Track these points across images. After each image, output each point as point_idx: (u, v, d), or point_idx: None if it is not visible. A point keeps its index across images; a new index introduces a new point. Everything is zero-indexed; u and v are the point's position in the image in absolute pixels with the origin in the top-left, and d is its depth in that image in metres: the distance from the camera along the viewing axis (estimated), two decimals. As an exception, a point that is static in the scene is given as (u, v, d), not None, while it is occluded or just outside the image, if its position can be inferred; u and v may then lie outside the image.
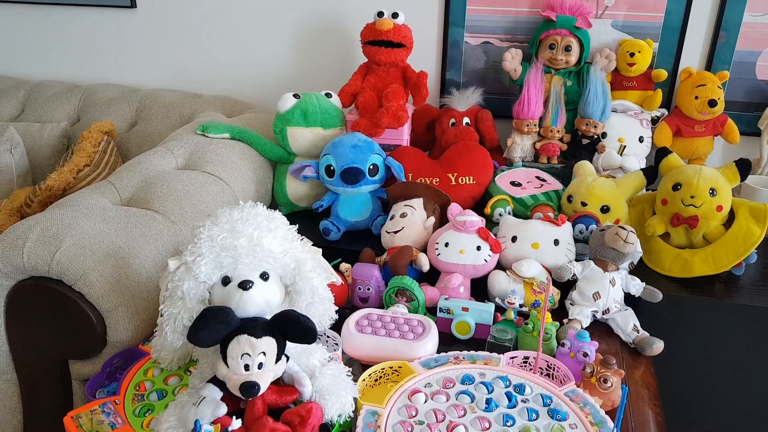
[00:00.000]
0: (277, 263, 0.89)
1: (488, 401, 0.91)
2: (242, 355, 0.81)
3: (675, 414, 1.05)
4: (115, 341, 1.07)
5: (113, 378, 1.03)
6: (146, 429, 0.89)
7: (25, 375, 1.15)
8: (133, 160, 1.39)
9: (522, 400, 0.92)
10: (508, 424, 0.87)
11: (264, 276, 0.88)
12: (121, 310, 1.06)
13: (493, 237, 1.24)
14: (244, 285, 0.85)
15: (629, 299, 1.20)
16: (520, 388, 0.94)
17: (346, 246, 1.42)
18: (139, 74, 2.06)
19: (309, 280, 0.91)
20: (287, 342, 0.86)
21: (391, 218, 1.36)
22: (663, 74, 1.55)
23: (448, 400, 0.93)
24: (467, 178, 1.46)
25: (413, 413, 0.90)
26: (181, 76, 2.01)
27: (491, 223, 1.38)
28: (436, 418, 0.89)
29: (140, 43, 2.01)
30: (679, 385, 1.27)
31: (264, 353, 0.81)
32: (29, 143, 1.81)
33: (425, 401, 0.93)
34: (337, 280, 0.98)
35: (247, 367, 0.81)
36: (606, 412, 0.90)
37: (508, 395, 0.92)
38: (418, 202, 1.35)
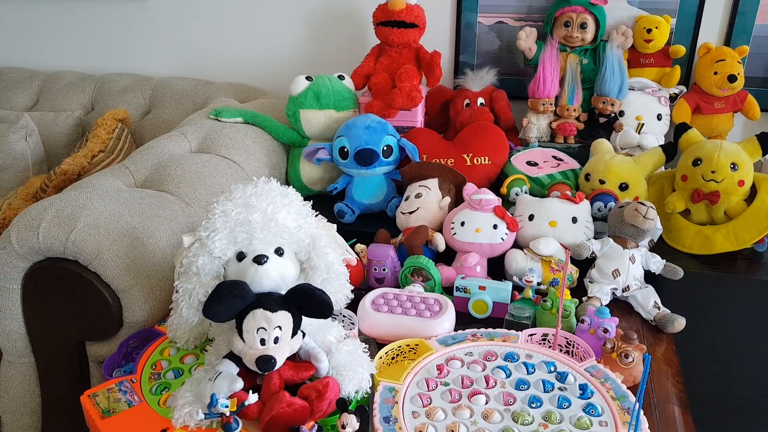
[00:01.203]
0: (292, 238, 0.88)
1: (523, 381, 0.89)
2: (258, 330, 0.80)
3: (697, 391, 1.03)
4: (131, 321, 1.07)
5: (129, 358, 1.03)
6: (163, 406, 0.89)
7: (42, 357, 1.16)
8: (146, 145, 1.39)
9: (559, 388, 0.88)
10: (533, 405, 0.85)
11: (279, 251, 0.87)
12: (136, 290, 1.06)
13: (510, 215, 1.22)
14: (259, 259, 0.84)
15: (649, 277, 1.17)
16: (561, 376, 0.90)
17: (360, 228, 1.41)
18: (151, 63, 2.06)
19: (324, 255, 0.90)
20: (303, 317, 0.85)
21: (406, 199, 1.35)
22: (681, 50, 1.52)
23: (483, 371, 0.92)
24: (482, 158, 1.44)
25: (434, 386, 0.90)
26: (193, 63, 2.01)
27: (507, 203, 1.36)
28: (462, 383, 0.90)
29: (152, 32, 2.01)
30: (701, 363, 1.24)
31: (280, 327, 0.81)
32: (44, 132, 1.82)
33: (461, 366, 0.93)
34: (353, 256, 0.97)
35: (263, 342, 0.80)
36: (627, 389, 0.88)
37: (545, 382, 0.89)
38: (433, 182, 1.34)
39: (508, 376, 0.91)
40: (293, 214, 0.88)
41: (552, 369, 0.92)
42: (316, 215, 0.94)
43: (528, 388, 0.88)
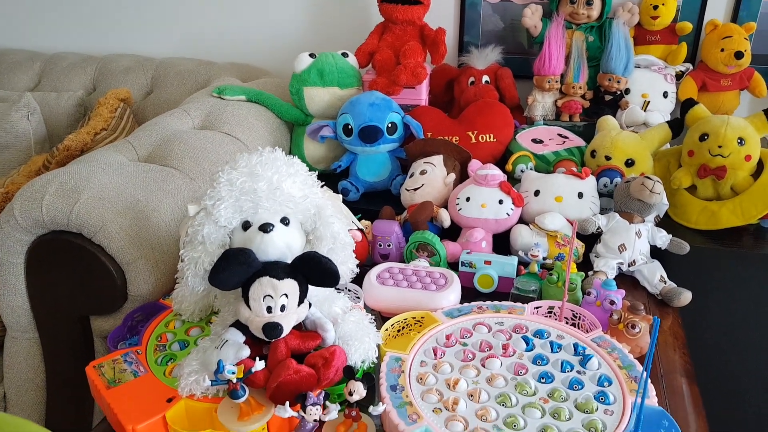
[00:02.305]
0: (297, 208, 0.88)
1: (542, 357, 0.88)
2: (264, 297, 0.80)
3: (703, 364, 1.03)
4: (136, 295, 1.07)
5: (135, 332, 1.03)
6: (168, 376, 0.89)
7: (46, 333, 1.15)
8: (149, 122, 1.38)
9: (577, 371, 0.85)
10: (542, 380, 0.84)
11: (284, 221, 0.87)
12: (141, 263, 1.05)
13: (515, 191, 1.22)
14: (265, 228, 0.83)
15: (655, 253, 1.17)
16: (585, 359, 0.86)
17: (365, 206, 1.40)
18: (153, 44, 2.04)
19: (330, 225, 0.89)
20: (309, 286, 0.85)
21: (411, 176, 1.34)
22: (687, 27, 1.50)
23: (508, 339, 0.92)
24: (487, 136, 1.43)
25: (453, 343, 0.92)
26: (195, 44, 2.00)
27: (513, 180, 1.35)
28: (481, 347, 0.90)
29: (154, 12, 2.00)
30: (706, 337, 1.24)
31: (286, 295, 0.80)
32: (46, 112, 1.81)
33: (487, 332, 0.94)
34: (359, 225, 0.97)
35: (269, 309, 0.80)
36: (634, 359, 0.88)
37: (565, 363, 0.86)
38: (437, 159, 1.33)
39: (529, 350, 0.90)
40: (299, 184, 0.87)
41: (579, 352, 0.88)
42: (322, 186, 0.93)
43: (545, 365, 0.87)
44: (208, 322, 1.00)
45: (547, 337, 0.92)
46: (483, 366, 0.87)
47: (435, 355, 0.90)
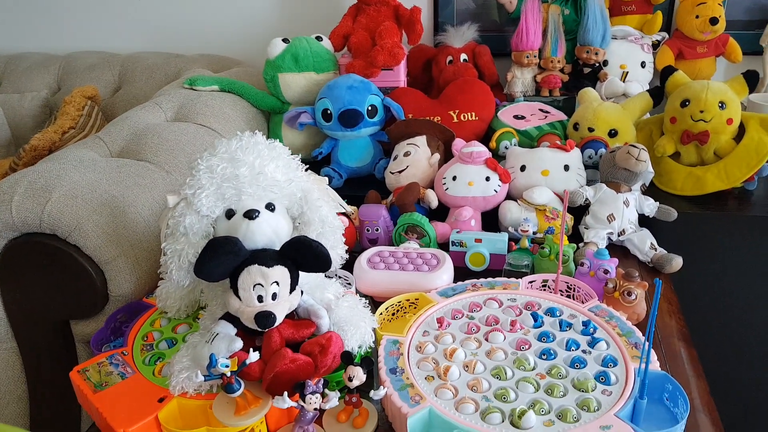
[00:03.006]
0: (282, 192, 0.84)
1: (548, 335, 0.86)
2: (254, 286, 0.76)
3: (697, 328, 1.03)
4: (117, 295, 1.03)
5: (118, 333, 0.99)
6: (158, 376, 0.85)
7: (25, 341, 1.10)
8: (120, 116, 1.33)
9: (582, 350, 0.82)
10: (543, 357, 0.82)
11: (270, 207, 0.83)
12: (120, 261, 1.01)
13: (502, 167, 1.20)
14: (250, 214, 0.80)
15: (643, 221, 1.17)
16: (593, 341, 0.83)
17: (349, 192, 1.35)
18: (117, 39, 1.98)
19: (317, 209, 0.86)
20: (300, 273, 0.82)
21: (395, 158, 1.31)
22: (662, -5, 1.50)
23: (517, 315, 0.90)
24: (469, 114, 1.41)
25: (459, 316, 0.91)
26: (162, 37, 1.94)
27: (497, 157, 1.33)
28: (487, 321, 0.89)
29: (116, 7, 1.93)
30: (698, 301, 1.25)
31: (277, 283, 0.77)
32: (10, 114, 1.74)
33: (499, 307, 0.93)
34: (347, 209, 0.94)
35: (260, 299, 0.77)
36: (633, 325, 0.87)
37: (571, 341, 0.83)
38: (421, 140, 1.31)
39: (536, 326, 0.88)
40: (282, 168, 0.84)
41: (589, 332, 0.85)
42: (306, 169, 0.90)
43: (550, 342, 0.85)
44: (195, 318, 0.97)
45: (559, 316, 0.90)
46: (486, 340, 0.86)
47: (440, 325, 0.90)
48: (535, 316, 0.89)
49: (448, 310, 0.93)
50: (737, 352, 1.29)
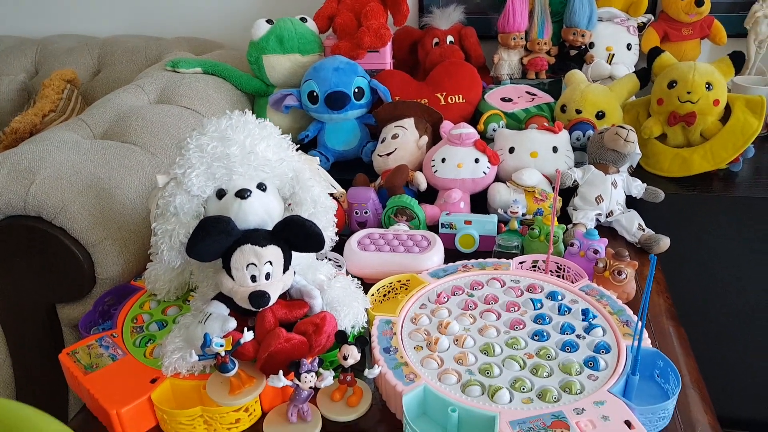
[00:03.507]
0: (274, 172, 0.83)
1: (544, 317, 0.85)
2: (248, 266, 0.76)
3: (683, 307, 1.05)
4: (105, 278, 1.01)
5: (107, 316, 0.98)
6: (149, 357, 0.84)
7: (10, 326, 1.09)
8: (102, 99, 1.31)
9: (577, 335, 0.82)
10: (535, 338, 0.82)
11: (261, 186, 0.82)
12: (107, 243, 0.99)
13: (491, 149, 1.20)
14: (242, 194, 0.79)
15: (630, 203, 1.18)
16: (589, 327, 0.83)
17: (336, 176, 1.33)
18: (95, 22, 1.94)
19: (309, 188, 0.85)
20: (293, 253, 0.81)
21: (382, 141, 1.31)
22: (647, -23, 1.51)
23: (518, 297, 0.91)
24: (456, 96, 1.41)
25: (459, 293, 0.92)
26: (141, 20, 1.90)
27: (485, 140, 1.33)
28: (486, 299, 0.90)
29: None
30: (685, 281, 1.27)
31: (270, 263, 0.77)
32: (-14, 99, 1.70)
33: (501, 287, 0.93)
34: (339, 189, 0.93)
35: (254, 278, 0.76)
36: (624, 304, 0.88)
37: (566, 325, 0.83)
38: (409, 122, 1.30)
39: (535, 309, 0.88)
40: (273, 147, 0.83)
41: (588, 319, 0.84)
42: (297, 149, 0.89)
43: (545, 324, 0.84)
44: (185, 301, 0.96)
45: (560, 299, 0.89)
46: (481, 317, 0.87)
47: (438, 298, 0.91)
48: (534, 300, 0.89)
49: (449, 287, 0.94)
50: (720, 331, 1.32)
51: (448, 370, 0.77)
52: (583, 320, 0.85)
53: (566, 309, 0.87)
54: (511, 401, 0.71)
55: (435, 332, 0.84)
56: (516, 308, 0.88)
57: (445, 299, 0.91)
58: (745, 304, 1.29)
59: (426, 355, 0.80)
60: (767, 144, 1.41)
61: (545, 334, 0.83)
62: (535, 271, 1.00)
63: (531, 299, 0.89)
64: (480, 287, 0.94)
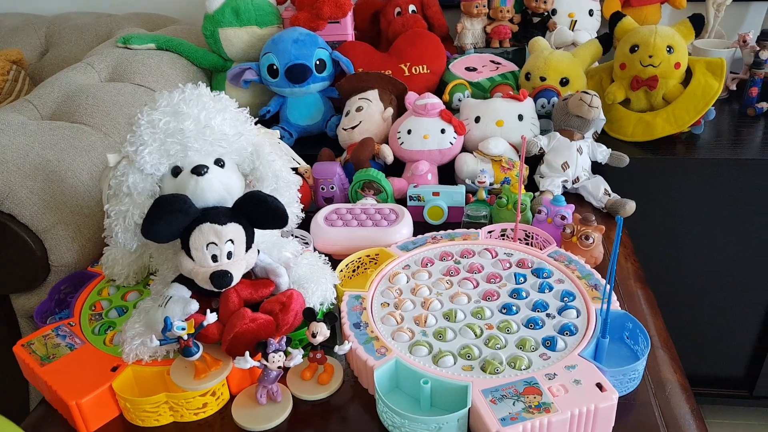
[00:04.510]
0: (232, 147, 0.80)
1: (520, 292, 0.84)
2: (207, 245, 0.73)
3: (651, 270, 1.06)
4: (59, 265, 0.96)
5: (64, 305, 0.94)
6: (109, 345, 0.81)
7: (-39, 320, 1.04)
8: (49, 79, 1.24)
9: (547, 314, 0.79)
10: (503, 311, 0.81)
11: (219, 162, 0.79)
12: (60, 228, 0.95)
13: (457, 119, 1.18)
14: (199, 170, 0.76)
15: (596, 169, 1.18)
16: (564, 307, 0.80)
17: (301, 151, 1.31)
18: (40, 0, 1.84)
19: (270, 163, 0.82)
20: (255, 230, 0.78)
21: (347, 114, 1.28)
22: (607, -58, 1.49)
23: (505, 269, 0.89)
24: (420, 67, 1.38)
25: (449, 259, 0.92)
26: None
27: (451, 110, 1.30)
28: (471, 268, 0.90)
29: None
30: (652, 244, 1.28)
31: (232, 241, 0.74)
32: (-76, 82, 1.59)
33: (492, 258, 0.92)
34: (302, 163, 0.91)
35: (215, 258, 0.73)
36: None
37: (539, 303, 0.81)
38: (373, 94, 1.27)
39: (517, 283, 0.86)
40: (230, 120, 0.80)
41: (568, 300, 0.82)
42: (256, 123, 0.86)
43: (520, 299, 0.82)
44: (145, 285, 0.93)
45: (544, 278, 0.86)
46: (459, 285, 0.86)
47: (421, 264, 0.91)
48: (518, 275, 0.87)
49: (437, 253, 0.93)
50: (689, 290, 1.34)
51: (403, 329, 0.77)
52: (562, 301, 0.82)
53: (548, 287, 0.84)
54: (455, 365, 0.72)
55: (407, 293, 0.85)
56: (497, 279, 0.87)
57: (429, 263, 0.91)
58: (712, 264, 1.31)
59: (389, 312, 0.81)
60: (726, 106, 1.42)
61: (515, 308, 0.81)
62: (503, 239, 0.99)
63: (515, 274, 0.87)
64: (470, 255, 0.93)
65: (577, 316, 0.79)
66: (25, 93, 1.48)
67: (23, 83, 1.52)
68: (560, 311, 0.80)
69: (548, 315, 0.80)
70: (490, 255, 0.93)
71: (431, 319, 0.79)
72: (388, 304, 0.82)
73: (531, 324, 0.78)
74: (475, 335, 0.77)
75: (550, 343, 0.74)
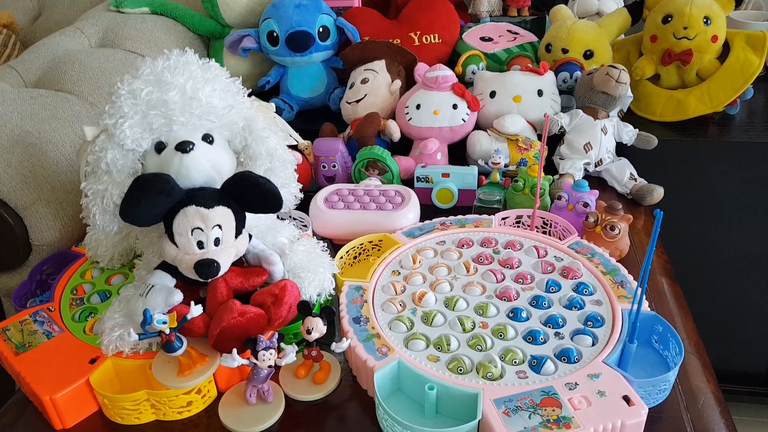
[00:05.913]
0: (221, 121, 0.72)
1: (539, 297, 0.75)
2: (192, 231, 0.66)
3: (679, 260, 0.98)
4: (41, 244, 0.90)
5: (45, 287, 0.88)
6: (90, 333, 0.75)
7: (-60, 300, 0.98)
8: (35, 44, 1.17)
9: (556, 334, 0.69)
10: (510, 315, 0.73)
11: (207, 138, 0.72)
12: (40, 205, 0.88)
13: (470, 93, 1.10)
14: (183, 147, 0.68)
15: (621, 150, 1.09)
16: (572, 297, 0.74)
17: (302, 126, 1.22)
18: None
19: (264, 139, 0.75)
20: (247, 214, 0.71)
21: (351, 86, 1.19)
22: None
23: (544, 272, 0.80)
24: (432, 36, 1.29)
25: (466, 246, 0.86)
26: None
27: (464, 83, 1.22)
28: (506, 264, 0.83)
29: None
30: (680, 232, 1.20)
31: (219, 226, 0.67)
32: None
33: (517, 249, 0.86)
34: (300, 140, 0.83)
35: (200, 245, 0.66)
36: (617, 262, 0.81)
37: (551, 318, 0.72)
38: (380, 65, 1.19)
39: (547, 291, 0.77)
40: (219, 91, 0.72)
41: (584, 292, 0.75)
42: (249, 94, 0.78)
43: (538, 308, 0.73)
44: (131, 268, 0.86)
45: (583, 293, 0.75)
46: (481, 275, 0.80)
47: (458, 244, 0.86)
48: (551, 282, 0.77)
49: (480, 238, 0.87)
50: (717, 284, 1.26)
51: (403, 318, 0.73)
52: (589, 317, 0.71)
53: (578, 304, 0.73)
54: (426, 348, 0.68)
55: (424, 268, 0.82)
56: (526, 280, 0.78)
57: (465, 246, 0.86)
58: (745, 253, 1.22)
59: (390, 298, 0.75)
60: (763, 85, 1.32)
61: (524, 315, 0.73)
62: (519, 227, 0.92)
63: (549, 280, 0.77)
64: (515, 248, 0.85)
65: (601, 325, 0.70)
66: (15, 58, 1.41)
67: (13, 48, 1.44)
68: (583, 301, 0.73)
69: (557, 334, 0.69)
70: (536, 253, 0.83)
71: (430, 299, 0.75)
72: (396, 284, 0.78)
73: (530, 337, 0.69)
74: (463, 329, 0.71)
75: (536, 363, 0.65)
